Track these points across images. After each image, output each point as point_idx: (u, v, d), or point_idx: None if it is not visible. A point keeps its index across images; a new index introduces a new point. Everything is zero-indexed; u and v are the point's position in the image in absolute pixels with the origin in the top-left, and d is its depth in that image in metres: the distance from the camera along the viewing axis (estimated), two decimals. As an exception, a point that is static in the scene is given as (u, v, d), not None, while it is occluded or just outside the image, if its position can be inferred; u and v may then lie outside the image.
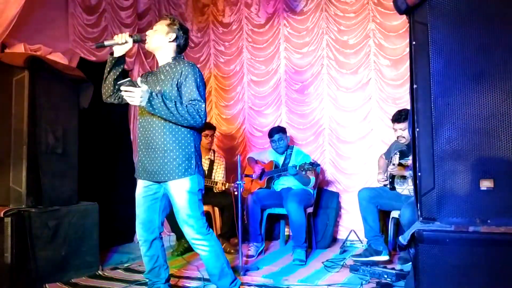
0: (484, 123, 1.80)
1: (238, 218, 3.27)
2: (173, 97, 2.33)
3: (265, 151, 4.42)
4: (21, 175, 2.88)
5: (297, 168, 3.69)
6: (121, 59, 2.44)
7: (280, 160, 4.15)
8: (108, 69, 2.44)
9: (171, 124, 2.33)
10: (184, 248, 3.91)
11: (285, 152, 4.15)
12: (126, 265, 3.46)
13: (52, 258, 2.91)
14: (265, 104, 4.92)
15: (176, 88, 2.35)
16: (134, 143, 4.53)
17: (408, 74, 2.06)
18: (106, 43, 2.39)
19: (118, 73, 2.46)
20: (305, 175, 3.81)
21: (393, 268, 3.03)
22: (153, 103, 2.21)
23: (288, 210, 3.66)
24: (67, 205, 3.09)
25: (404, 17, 2.05)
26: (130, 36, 2.39)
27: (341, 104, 4.54)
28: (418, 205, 1.89)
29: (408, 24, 2.01)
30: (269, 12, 4.90)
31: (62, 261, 2.98)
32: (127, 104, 4.39)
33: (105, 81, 2.48)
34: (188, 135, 2.37)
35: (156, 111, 2.24)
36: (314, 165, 3.66)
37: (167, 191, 2.42)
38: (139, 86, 2.24)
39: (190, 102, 2.30)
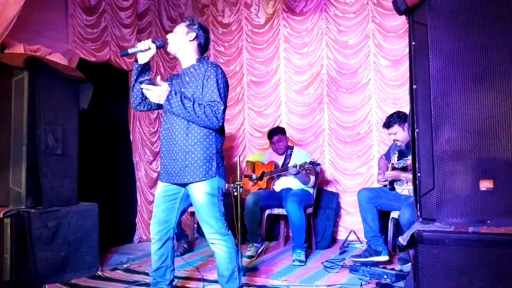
0: (484, 123, 1.80)
1: (238, 218, 3.26)
2: (197, 99, 2.34)
3: (265, 152, 4.42)
4: (21, 176, 2.88)
5: (297, 168, 3.70)
6: (146, 66, 2.46)
7: (280, 160, 4.15)
8: (135, 77, 2.45)
9: (193, 126, 2.34)
10: (184, 248, 3.91)
11: (285, 152, 4.15)
12: (125, 265, 3.46)
13: (51, 258, 2.91)
14: (264, 105, 4.92)
15: (201, 90, 2.35)
16: (133, 143, 4.54)
17: (408, 74, 2.06)
18: (129, 51, 2.41)
19: (145, 80, 2.46)
20: (305, 175, 3.81)
21: (392, 269, 3.03)
22: (171, 101, 2.26)
23: (288, 210, 3.66)
24: (67, 205, 3.09)
25: (403, 17, 2.05)
26: (153, 41, 2.41)
27: (341, 105, 4.54)
28: (418, 205, 1.89)
29: (407, 25, 2.01)
30: (268, 12, 4.90)
31: (61, 261, 2.98)
32: (127, 105, 4.44)
33: (132, 89, 2.48)
34: (210, 137, 2.37)
35: (174, 109, 2.28)
36: (314, 164, 3.66)
37: (188, 192, 2.43)
38: (159, 85, 2.29)
39: (210, 103, 2.31)
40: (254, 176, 4.15)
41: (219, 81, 2.35)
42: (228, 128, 5.12)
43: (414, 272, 1.82)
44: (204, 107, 2.28)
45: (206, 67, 2.38)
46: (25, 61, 2.88)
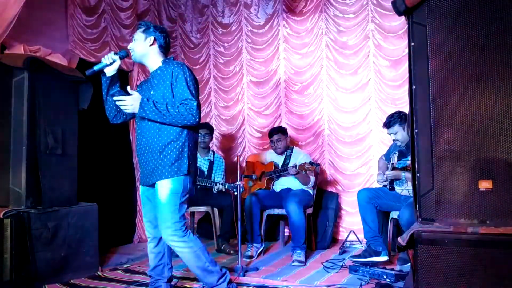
0: (483, 124, 1.80)
1: (238, 219, 3.27)
2: (167, 100, 2.38)
3: (265, 152, 4.42)
4: (21, 176, 2.88)
5: (297, 168, 3.70)
6: (114, 78, 2.51)
7: (280, 160, 4.15)
8: (105, 90, 2.51)
9: (163, 125, 2.38)
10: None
11: (285, 152, 4.16)
12: (125, 266, 3.47)
13: (51, 259, 2.91)
14: (264, 105, 4.92)
15: (170, 90, 2.39)
16: (133, 143, 4.54)
17: (407, 75, 2.06)
18: (95, 68, 2.46)
19: (116, 92, 2.52)
20: (305, 175, 3.82)
21: (392, 269, 3.03)
22: (145, 108, 2.31)
23: (288, 210, 3.66)
24: (67, 206, 3.10)
25: (403, 17, 2.05)
26: (116, 53, 2.47)
27: (341, 105, 4.54)
28: (417, 206, 1.89)
29: (407, 25, 2.01)
30: (268, 13, 4.91)
31: (61, 262, 2.98)
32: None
33: (106, 103, 2.54)
34: (183, 135, 2.40)
35: (150, 115, 2.33)
36: (314, 165, 3.67)
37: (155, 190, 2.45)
38: (130, 94, 2.35)
39: (182, 102, 2.35)
40: (254, 176, 4.15)
41: (188, 79, 2.39)
42: (228, 128, 5.13)
43: (413, 272, 1.82)
44: (178, 106, 2.32)
45: (172, 67, 2.42)
46: (25, 61, 2.88)
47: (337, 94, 4.56)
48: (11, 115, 2.92)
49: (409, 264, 2.45)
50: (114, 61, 2.46)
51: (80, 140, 3.30)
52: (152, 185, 2.47)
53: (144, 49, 2.49)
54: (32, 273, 2.78)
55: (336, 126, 4.56)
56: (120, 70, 4.28)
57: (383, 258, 3.25)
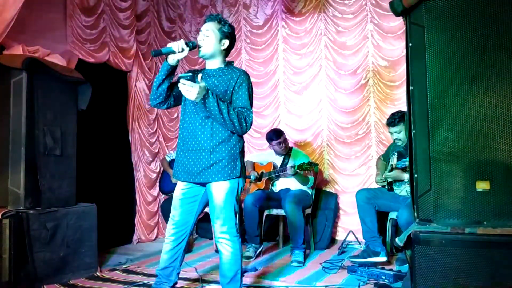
0: (480, 124, 1.81)
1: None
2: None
3: (264, 152, 4.42)
4: (19, 177, 2.88)
5: (296, 168, 3.70)
6: (174, 69, 2.41)
7: (279, 161, 4.15)
8: (163, 76, 2.38)
9: (216, 125, 2.35)
10: (183, 249, 3.91)
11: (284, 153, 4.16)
12: (124, 266, 3.46)
13: (50, 259, 2.91)
14: (263, 105, 4.92)
15: (230, 95, 2.37)
16: (132, 144, 4.54)
17: (406, 75, 2.07)
18: (163, 50, 2.31)
19: (171, 80, 2.43)
20: (304, 175, 3.82)
21: (391, 269, 3.03)
22: (207, 100, 2.24)
23: (286, 211, 3.66)
24: (65, 206, 3.10)
25: (401, 18, 2.06)
26: (186, 43, 2.32)
27: (340, 105, 4.54)
28: (415, 206, 1.90)
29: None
30: (267, 13, 4.91)
31: (60, 262, 2.98)
32: (126, 106, 4.45)
33: (157, 88, 2.41)
34: (233, 137, 2.40)
35: (207, 109, 2.26)
36: (312, 165, 3.67)
37: (207, 191, 2.43)
38: (198, 82, 2.23)
39: (240, 109, 2.34)
40: (253, 177, 4.15)
41: (250, 89, 2.41)
42: (227, 129, 5.12)
43: (411, 273, 1.82)
44: (237, 111, 2.31)
45: (238, 74, 2.40)
46: (23, 62, 2.88)
47: (336, 94, 4.56)
48: (9, 115, 2.92)
49: (408, 264, 2.46)
50: (183, 50, 2.30)
51: (79, 140, 3.30)
52: (200, 184, 2.44)
53: (216, 50, 2.41)
54: (31, 273, 2.78)
55: (335, 127, 4.56)
56: (118, 71, 4.35)
57: (382, 258, 3.26)
